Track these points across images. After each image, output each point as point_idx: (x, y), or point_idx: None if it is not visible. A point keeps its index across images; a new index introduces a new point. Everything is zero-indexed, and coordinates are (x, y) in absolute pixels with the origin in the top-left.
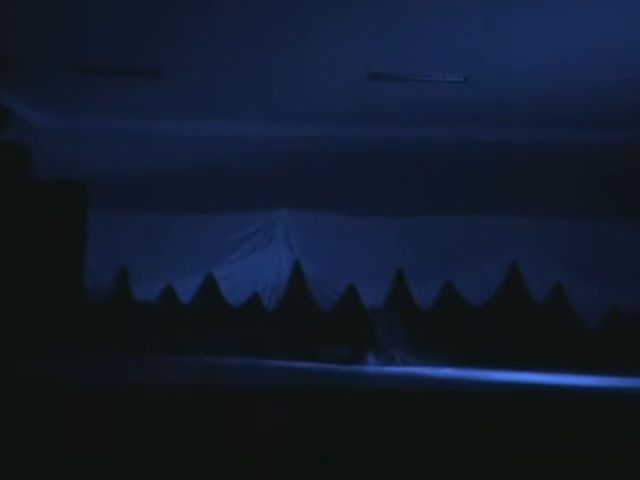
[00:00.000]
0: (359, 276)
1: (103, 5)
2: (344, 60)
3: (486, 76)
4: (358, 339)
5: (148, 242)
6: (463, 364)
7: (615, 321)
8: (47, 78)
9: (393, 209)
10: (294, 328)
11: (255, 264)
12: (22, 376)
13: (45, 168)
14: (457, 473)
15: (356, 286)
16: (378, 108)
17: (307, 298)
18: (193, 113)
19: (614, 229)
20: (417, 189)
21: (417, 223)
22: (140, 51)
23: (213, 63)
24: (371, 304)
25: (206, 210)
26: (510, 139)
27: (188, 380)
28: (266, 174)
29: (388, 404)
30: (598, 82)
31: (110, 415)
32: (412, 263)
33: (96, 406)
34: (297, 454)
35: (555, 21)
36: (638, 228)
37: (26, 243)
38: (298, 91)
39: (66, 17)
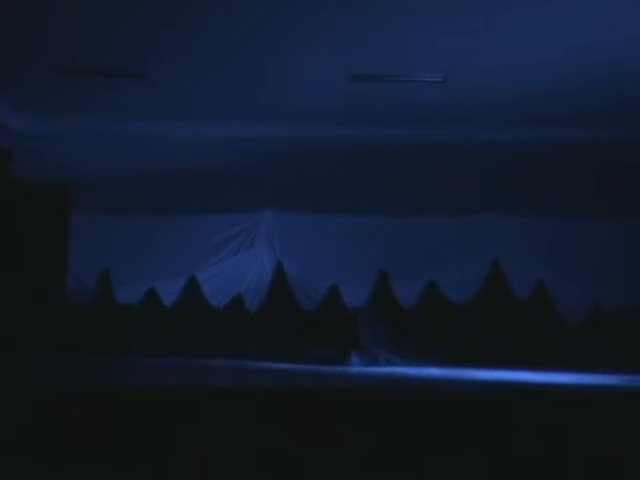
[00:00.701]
0: (342, 276)
1: (86, 7)
2: (326, 61)
3: (465, 76)
4: (342, 339)
5: (131, 244)
6: (447, 363)
7: (598, 318)
8: (30, 81)
9: (376, 209)
10: (278, 329)
11: (238, 265)
12: (8, 381)
13: (28, 171)
14: (444, 473)
15: (339, 286)
16: (360, 109)
17: (290, 299)
18: (176, 115)
19: (596, 226)
20: (399, 189)
21: (399, 223)
22: (125, 53)
23: (198, 65)
24: (354, 304)
25: (189, 212)
26: (491, 138)
27: (172, 382)
28: (249, 175)
29: (372, 404)
30: (576, 80)
31: (96, 418)
32: (395, 263)
33: (82, 409)
34: (279, 455)
35: (535, 20)
36: (620, 225)
37: (8, 246)
38: (281, 93)
39: (50, 20)
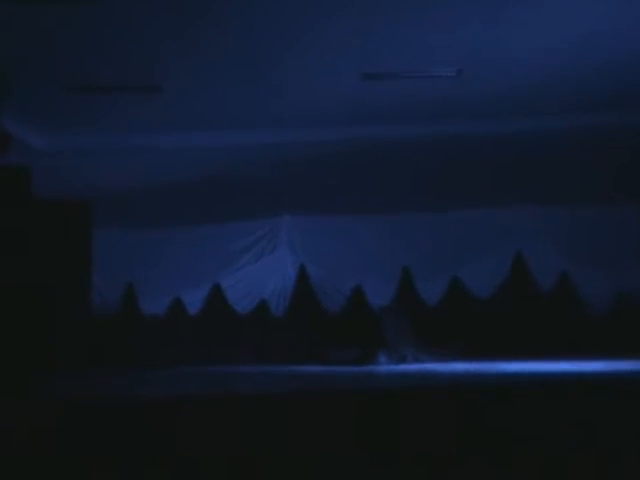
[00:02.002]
0: (365, 276)
1: (102, 24)
2: (337, 62)
3: (479, 68)
4: (368, 340)
5: (153, 256)
6: (474, 358)
7: (622, 306)
8: (47, 98)
9: (395, 207)
10: (303, 332)
11: (261, 271)
12: (38, 393)
13: (48, 188)
14: (475, 467)
15: (363, 286)
16: (374, 108)
17: (314, 302)
18: (193, 125)
19: (617, 213)
20: (417, 186)
21: (420, 220)
22: (139, 68)
23: (212, 74)
24: (379, 303)
25: (209, 220)
26: (507, 130)
27: (200, 391)
28: (266, 181)
29: (404, 403)
30: (592, 68)
31: (124, 430)
32: (417, 260)
33: (110, 421)
34: (313, 457)
35: (548, 10)
36: None
37: (30, 265)
38: (294, 97)
39: (65, 37)
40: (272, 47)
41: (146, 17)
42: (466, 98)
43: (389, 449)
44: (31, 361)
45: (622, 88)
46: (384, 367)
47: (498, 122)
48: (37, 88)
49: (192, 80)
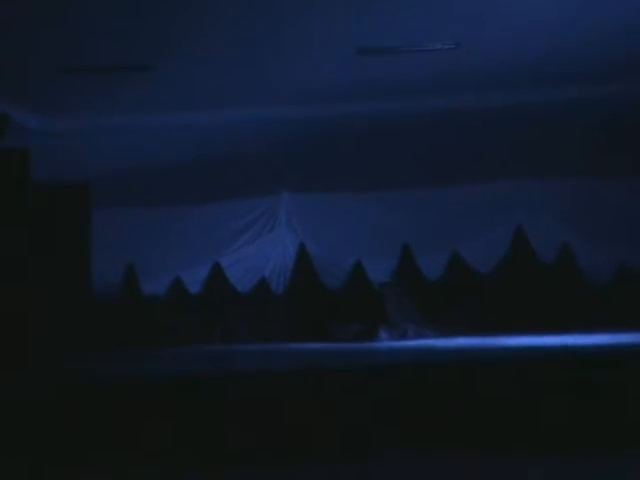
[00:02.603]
0: (365, 252)
1: (95, 4)
2: (334, 37)
3: (478, 41)
4: (369, 316)
5: (153, 236)
6: (476, 332)
7: (624, 278)
8: (42, 80)
9: (394, 183)
10: (304, 310)
11: (261, 249)
12: (42, 376)
13: (46, 170)
14: (478, 441)
15: (363, 263)
16: (371, 83)
17: (315, 279)
18: (189, 103)
19: (618, 185)
20: (416, 161)
21: (419, 195)
22: (134, 47)
23: (206, 51)
24: (379, 280)
25: (208, 200)
26: (506, 103)
27: (204, 369)
28: (265, 159)
29: (405, 378)
30: (590, 38)
31: (126, 410)
32: (417, 235)
33: (111, 402)
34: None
35: None
36: None
37: (30, 247)
38: (289, 73)
39: (60, 18)
40: (268, 23)
41: None
42: (464, 72)
43: (389, 424)
44: (31, 344)
45: (621, 59)
46: (385, 343)
47: (497, 95)
48: (33, 70)
49: (188, 58)
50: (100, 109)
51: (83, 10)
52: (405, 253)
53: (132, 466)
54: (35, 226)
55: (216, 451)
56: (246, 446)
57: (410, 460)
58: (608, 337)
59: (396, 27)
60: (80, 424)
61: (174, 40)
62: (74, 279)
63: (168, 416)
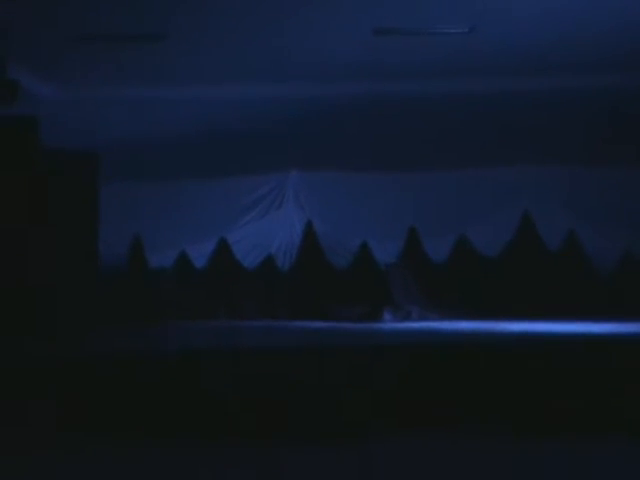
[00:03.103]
0: (372, 233)
1: None
2: (349, 17)
3: (491, 25)
4: (374, 297)
5: (160, 209)
6: (479, 316)
7: (629, 266)
8: (52, 47)
9: (403, 165)
10: (310, 288)
11: (267, 226)
12: (50, 350)
13: (55, 139)
14: (478, 424)
15: (369, 244)
16: (384, 63)
17: (321, 258)
18: (199, 77)
19: (625, 172)
20: (426, 143)
21: (428, 178)
22: (145, 15)
23: (219, 24)
24: (385, 261)
25: (216, 174)
26: (519, 88)
27: (207, 344)
28: (274, 135)
29: (407, 359)
30: (604, 25)
31: (132, 384)
32: (424, 218)
33: (120, 376)
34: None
35: None
36: None
37: (38, 214)
38: (303, 50)
39: None
40: None
41: None
42: (477, 55)
43: (391, 407)
44: (36, 315)
45: (630, 50)
46: (389, 324)
47: (507, 81)
48: (44, 37)
49: (200, 29)
50: (111, 79)
51: None
52: (411, 235)
53: (135, 440)
54: (43, 192)
55: (218, 427)
56: (247, 423)
57: (409, 441)
58: (612, 325)
59: (411, 9)
60: (84, 397)
61: (186, 10)
62: (81, 248)
63: (171, 391)
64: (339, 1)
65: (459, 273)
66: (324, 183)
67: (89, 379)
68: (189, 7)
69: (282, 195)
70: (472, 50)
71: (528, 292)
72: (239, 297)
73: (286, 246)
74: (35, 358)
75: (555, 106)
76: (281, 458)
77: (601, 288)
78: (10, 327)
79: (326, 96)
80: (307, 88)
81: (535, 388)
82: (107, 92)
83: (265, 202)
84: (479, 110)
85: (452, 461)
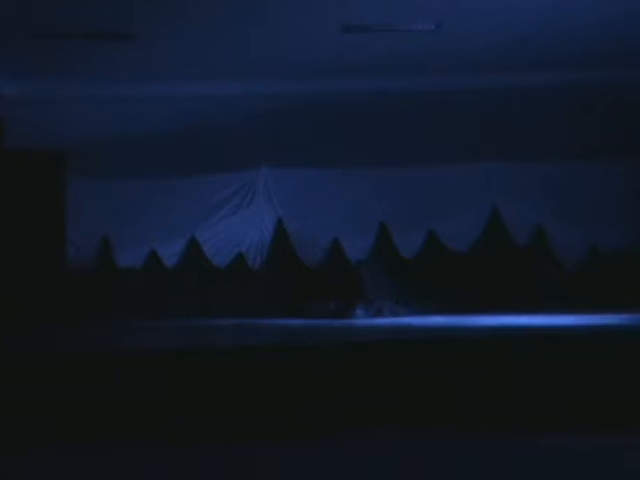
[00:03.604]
0: (343, 230)
1: None
2: (317, 14)
3: (459, 22)
4: (346, 293)
5: (129, 208)
6: (451, 311)
7: (595, 260)
8: (19, 46)
9: (373, 161)
10: (281, 286)
11: (238, 224)
12: (13, 349)
13: (21, 139)
14: (454, 418)
15: (340, 240)
16: (354, 61)
17: (293, 255)
18: (168, 75)
19: (591, 169)
20: (395, 140)
21: (397, 174)
22: (112, 13)
23: (188, 22)
24: (356, 257)
25: (186, 172)
26: (486, 85)
27: (178, 344)
28: (244, 133)
29: (380, 355)
30: (570, 22)
31: (101, 383)
32: (394, 214)
33: (86, 374)
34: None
35: None
36: (616, 166)
37: (4, 216)
38: (272, 48)
39: None
40: None
41: None
42: (445, 52)
43: (364, 403)
44: (3, 314)
45: (600, 46)
46: (361, 320)
47: (476, 77)
48: (9, 35)
49: (168, 28)
50: (77, 77)
51: None
52: (382, 231)
53: (109, 442)
54: (9, 193)
55: (190, 425)
56: (219, 421)
57: (382, 438)
58: (578, 317)
59: (379, 6)
60: (54, 397)
61: (156, 9)
62: (47, 249)
63: (144, 390)
64: None
65: (430, 268)
66: (294, 180)
67: (54, 378)
68: (158, 5)
69: (252, 192)
70: (440, 47)
71: (497, 286)
72: (210, 295)
73: (257, 244)
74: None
75: (522, 103)
76: (254, 456)
77: (567, 281)
78: None
79: (295, 93)
80: (276, 85)
81: (506, 382)
82: (74, 90)
83: (235, 200)
84: (447, 107)
85: (425, 459)
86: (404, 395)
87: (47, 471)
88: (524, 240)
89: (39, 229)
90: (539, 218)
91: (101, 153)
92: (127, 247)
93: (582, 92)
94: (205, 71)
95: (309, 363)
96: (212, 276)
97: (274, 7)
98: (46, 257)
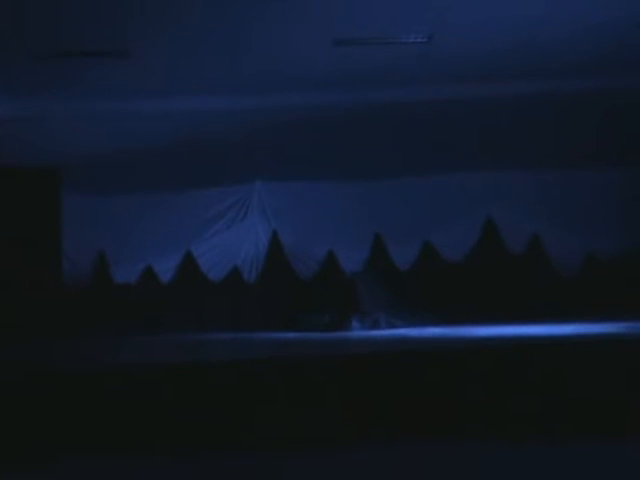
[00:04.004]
0: (337, 242)
1: None
2: (308, 28)
3: (450, 33)
4: (341, 305)
5: (124, 224)
6: (447, 322)
7: (592, 268)
8: (12, 64)
9: (367, 173)
10: (277, 299)
11: (233, 238)
12: (9, 365)
13: (15, 156)
14: (452, 429)
15: (335, 252)
16: (345, 73)
17: (287, 268)
18: (162, 90)
19: (585, 177)
20: (389, 151)
21: (391, 185)
22: (106, 30)
23: (181, 38)
24: (351, 269)
25: (180, 187)
26: (478, 95)
27: (175, 358)
28: (238, 147)
29: (377, 368)
30: (561, 31)
31: (97, 399)
32: (389, 225)
33: (83, 390)
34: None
35: None
36: (611, 173)
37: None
38: (265, 62)
39: (27, 1)
40: (244, 12)
41: None
42: (437, 64)
43: (362, 415)
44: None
45: (591, 54)
46: (357, 332)
47: (469, 87)
48: (2, 53)
49: (162, 45)
50: (71, 94)
51: None
52: (377, 242)
53: (103, 457)
54: (4, 210)
55: (190, 441)
56: (216, 434)
57: (377, 449)
58: (576, 326)
59: (370, 19)
60: (49, 413)
61: (149, 25)
62: (43, 265)
63: (140, 406)
64: (299, 13)
65: (425, 279)
66: (288, 193)
67: (52, 394)
68: (151, 21)
69: (247, 206)
70: (432, 58)
71: (494, 296)
72: (206, 309)
73: (252, 257)
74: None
75: (515, 111)
76: (251, 468)
77: (564, 290)
78: None
79: (288, 106)
80: (269, 99)
81: (504, 392)
82: (68, 107)
83: (230, 213)
84: (441, 117)
85: (423, 469)
86: (401, 406)
87: None
88: (520, 249)
89: (35, 245)
90: (535, 226)
91: (96, 169)
92: (123, 263)
93: (575, 99)
94: (198, 86)
95: (305, 376)
96: (207, 290)
97: (266, 22)
98: (42, 273)
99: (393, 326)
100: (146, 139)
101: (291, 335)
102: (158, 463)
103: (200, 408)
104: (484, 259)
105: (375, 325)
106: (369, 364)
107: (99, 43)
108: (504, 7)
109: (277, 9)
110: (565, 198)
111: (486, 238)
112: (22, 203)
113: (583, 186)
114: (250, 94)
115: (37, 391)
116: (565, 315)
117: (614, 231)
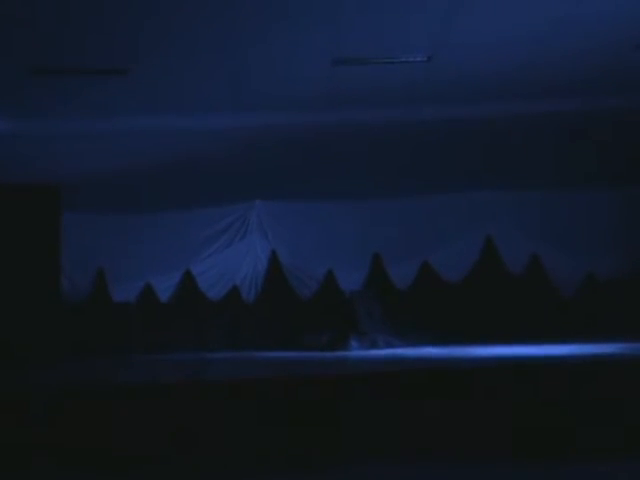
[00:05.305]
0: (336, 261)
1: (67, 5)
2: (309, 47)
3: (450, 53)
4: (340, 324)
5: (123, 242)
6: (446, 342)
7: (591, 289)
8: (11, 82)
9: (366, 193)
10: (276, 318)
11: (232, 257)
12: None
13: (14, 174)
14: (451, 448)
15: (334, 271)
16: (344, 93)
17: (286, 287)
18: (161, 109)
19: (586, 198)
20: (388, 171)
21: (390, 205)
22: (106, 50)
23: (180, 57)
24: (350, 288)
25: (180, 206)
26: (478, 115)
27: (175, 378)
28: (237, 166)
29: (376, 387)
30: (561, 51)
31: (98, 417)
32: (388, 245)
33: (83, 409)
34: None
35: None
36: (611, 194)
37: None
38: (264, 81)
39: (30, 18)
40: (243, 31)
41: None
42: (437, 83)
43: (359, 433)
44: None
45: (592, 74)
46: (356, 352)
47: (469, 107)
48: (3, 71)
49: (161, 63)
50: (71, 112)
51: (56, 9)
52: (376, 262)
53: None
54: (2, 228)
55: (191, 456)
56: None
57: (373, 467)
58: (575, 347)
59: (370, 39)
60: (47, 430)
61: (147, 44)
62: (42, 282)
63: (139, 423)
64: (299, 33)
65: (425, 300)
66: (288, 212)
67: (50, 412)
68: (151, 40)
69: (246, 225)
70: (432, 78)
71: (493, 316)
72: (205, 328)
73: (251, 276)
74: None
75: (515, 132)
76: None
77: (564, 310)
78: None
79: (289, 126)
80: (268, 118)
81: (500, 411)
82: (67, 125)
83: (229, 233)
84: (440, 137)
85: None
86: (401, 425)
87: None
88: (519, 269)
89: (34, 263)
90: (534, 247)
91: (95, 187)
92: (122, 281)
93: (577, 119)
94: (198, 105)
95: (303, 394)
96: (206, 309)
97: (266, 41)
98: (41, 291)
99: (391, 346)
100: (146, 158)
101: (289, 354)
102: None
103: (199, 426)
104: (483, 279)
105: (373, 345)
106: (367, 383)
107: (99, 61)
108: (504, 27)
109: (277, 29)
110: (565, 218)
111: (485, 258)
112: (21, 221)
113: (583, 207)
114: (250, 113)
115: (38, 409)
116: (564, 335)
117: (614, 252)
